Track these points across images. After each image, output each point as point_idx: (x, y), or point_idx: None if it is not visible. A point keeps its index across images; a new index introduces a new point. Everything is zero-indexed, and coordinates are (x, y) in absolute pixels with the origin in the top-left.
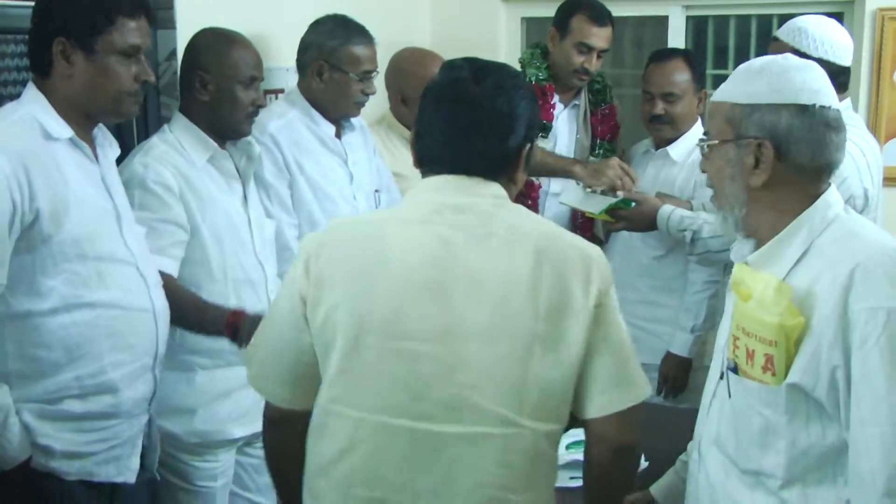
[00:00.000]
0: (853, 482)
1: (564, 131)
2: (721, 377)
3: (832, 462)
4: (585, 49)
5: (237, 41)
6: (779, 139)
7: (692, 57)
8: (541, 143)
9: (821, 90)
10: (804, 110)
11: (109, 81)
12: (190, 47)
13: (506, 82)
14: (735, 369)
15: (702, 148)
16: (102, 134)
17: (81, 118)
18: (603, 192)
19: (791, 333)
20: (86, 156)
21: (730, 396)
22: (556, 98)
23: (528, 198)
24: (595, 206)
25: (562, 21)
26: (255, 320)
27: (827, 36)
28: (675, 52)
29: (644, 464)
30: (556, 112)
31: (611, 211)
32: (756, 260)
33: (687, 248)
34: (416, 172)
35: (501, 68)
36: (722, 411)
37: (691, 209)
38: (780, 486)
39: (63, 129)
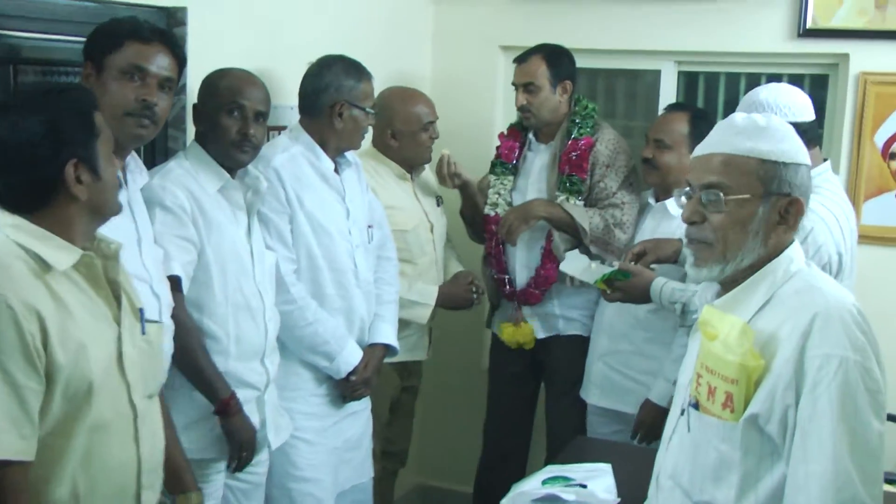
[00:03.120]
0: None
1: (536, 170)
2: (682, 413)
3: (778, 500)
4: (515, 87)
5: (229, 73)
6: (802, 197)
7: (698, 116)
8: (503, 181)
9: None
10: (807, 170)
11: (108, 98)
12: (207, 85)
13: (7, 111)
14: (696, 405)
15: (715, 199)
16: (135, 162)
17: None
18: (602, 263)
19: (752, 374)
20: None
21: (689, 431)
22: (531, 137)
23: (484, 231)
24: (592, 276)
25: None
26: (247, 425)
27: (782, 101)
28: (685, 107)
29: (616, 500)
30: (530, 152)
31: (607, 281)
32: (722, 304)
33: (678, 319)
34: (409, 203)
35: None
36: (681, 445)
37: (680, 248)
38: None
39: None
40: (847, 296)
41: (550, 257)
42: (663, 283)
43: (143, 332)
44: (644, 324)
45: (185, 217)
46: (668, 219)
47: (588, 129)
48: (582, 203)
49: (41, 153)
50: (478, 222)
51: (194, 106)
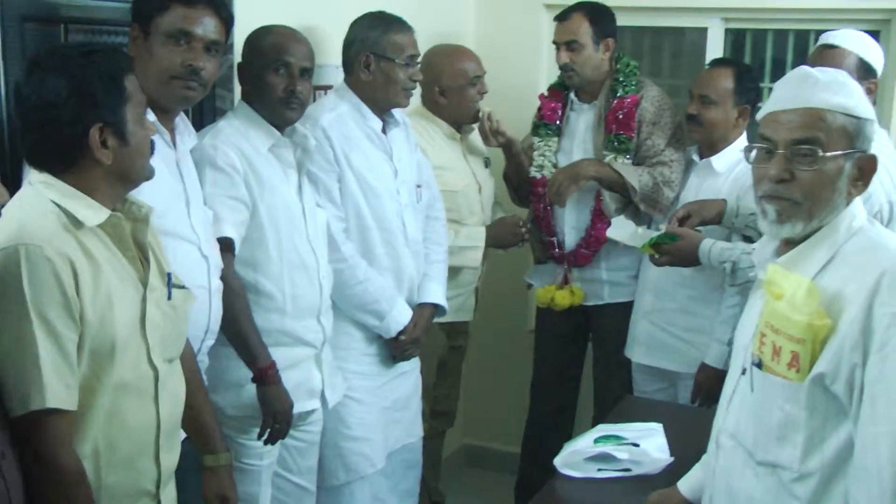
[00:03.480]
0: (857, 475)
1: (581, 130)
2: (743, 373)
3: (844, 460)
4: (556, 46)
5: (273, 30)
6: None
7: (743, 70)
8: (548, 143)
9: None
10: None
11: (154, 62)
12: (251, 46)
13: (35, 68)
14: (759, 365)
15: (810, 155)
16: (184, 124)
17: (154, 104)
18: (648, 228)
19: (819, 333)
20: (164, 141)
21: (752, 391)
22: (572, 97)
23: (531, 194)
24: (640, 241)
25: None
26: (283, 396)
27: (878, 51)
28: (728, 62)
29: (669, 459)
30: (573, 112)
31: (655, 245)
32: (784, 262)
33: (728, 278)
34: (459, 164)
35: (39, 54)
36: (743, 405)
37: (725, 207)
38: (794, 478)
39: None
40: None
41: (600, 217)
42: (712, 244)
43: (170, 298)
44: (689, 282)
45: (237, 176)
46: (714, 176)
47: (633, 87)
48: (630, 162)
49: (65, 114)
50: (522, 185)
51: (239, 65)
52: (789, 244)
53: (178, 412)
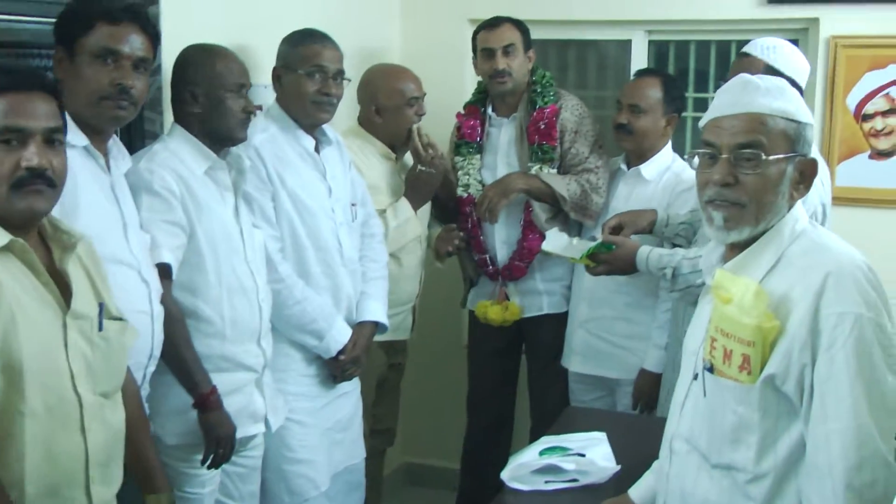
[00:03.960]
0: (809, 473)
1: (503, 144)
2: (695, 378)
3: (797, 460)
4: (488, 53)
5: (220, 53)
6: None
7: (669, 80)
8: (471, 161)
9: None
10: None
11: (83, 84)
12: (178, 64)
13: None
14: (711, 369)
15: (754, 159)
16: (118, 148)
17: (86, 127)
18: (581, 238)
19: (768, 335)
20: (98, 165)
21: (705, 395)
22: (490, 112)
23: (458, 213)
24: (576, 252)
25: (473, 46)
26: (226, 421)
27: (793, 58)
28: (654, 72)
29: (616, 467)
30: (492, 128)
31: (592, 255)
32: (731, 267)
33: (668, 284)
34: (393, 183)
35: None
36: (696, 409)
37: (655, 219)
38: (749, 479)
39: (78, 138)
40: (856, 253)
41: (531, 228)
42: (649, 251)
43: (101, 329)
44: (624, 288)
45: (174, 200)
46: (643, 183)
47: (551, 98)
48: (555, 171)
49: None
50: (449, 202)
51: (189, 89)
52: (735, 249)
53: (114, 445)
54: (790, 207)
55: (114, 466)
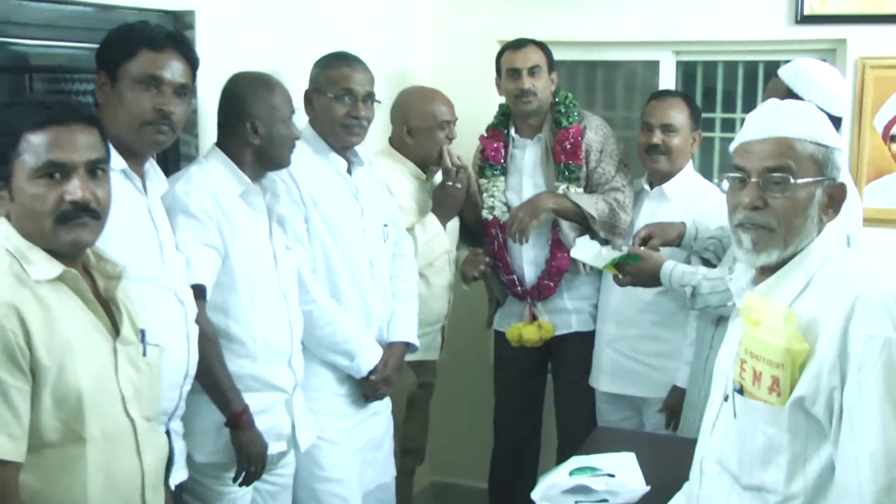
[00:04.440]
0: (839, 495)
1: (528, 166)
2: (725, 399)
3: (826, 481)
4: (514, 73)
5: (275, 85)
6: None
7: (690, 99)
8: (495, 183)
9: None
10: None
11: (125, 110)
12: (232, 93)
13: None
14: (741, 391)
15: (782, 183)
16: (154, 170)
17: (125, 150)
18: (612, 248)
19: (797, 357)
20: (135, 187)
21: (735, 416)
22: (513, 134)
23: (484, 235)
24: (602, 261)
25: (497, 67)
26: (258, 440)
27: (821, 82)
28: (674, 92)
29: (646, 488)
30: (516, 149)
31: (617, 265)
32: (761, 290)
33: (688, 302)
34: (424, 204)
35: None
36: (727, 431)
37: (684, 231)
38: (779, 501)
39: (116, 161)
40: (885, 276)
41: (560, 247)
42: (673, 266)
43: (144, 354)
44: (651, 307)
45: (210, 222)
46: (666, 202)
47: (575, 118)
48: (582, 190)
49: None
50: (477, 223)
51: (249, 121)
52: (765, 272)
53: (161, 467)
54: (819, 231)
55: (161, 487)
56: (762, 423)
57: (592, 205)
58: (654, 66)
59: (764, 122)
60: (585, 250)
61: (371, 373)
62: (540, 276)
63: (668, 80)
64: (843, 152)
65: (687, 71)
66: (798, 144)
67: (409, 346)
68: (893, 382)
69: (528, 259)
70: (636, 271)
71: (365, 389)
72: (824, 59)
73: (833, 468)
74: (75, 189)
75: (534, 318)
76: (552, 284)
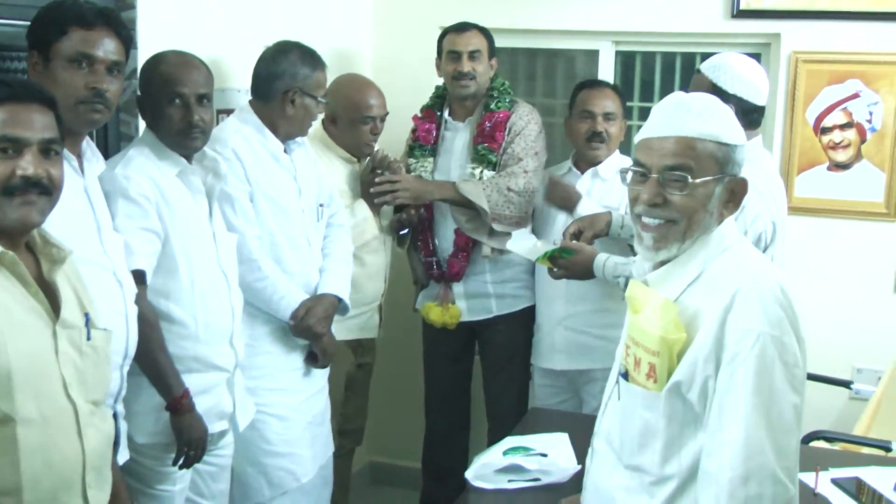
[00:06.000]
0: (700, 480)
1: (458, 149)
2: (616, 381)
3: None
4: (454, 56)
5: (164, 59)
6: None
7: (619, 89)
8: (423, 163)
9: None
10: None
11: (59, 89)
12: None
13: None
14: (626, 375)
15: (680, 181)
16: (91, 150)
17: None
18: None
19: (673, 346)
20: (72, 167)
21: (619, 399)
22: (446, 116)
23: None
24: (536, 253)
25: (438, 48)
26: (198, 423)
27: (744, 75)
28: (606, 83)
29: (577, 467)
30: (448, 132)
31: (551, 259)
32: (656, 278)
33: (622, 292)
34: (353, 186)
35: None
36: (613, 412)
37: (611, 218)
38: (653, 482)
39: None
40: (770, 271)
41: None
42: (605, 259)
43: (89, 338)
44: (600, 280)
45: (149, 206)
46: (601, 182)
47: (505, 104)
48: (493, 174)
49: None
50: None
51: (137, 97)
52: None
53: (106, 450)
54: (719, 223)
55: (106, 471)
56: (640, 407)
57: (483, 197)
58: (593, 55)
59: (667, 119)
60: (521, 243)
61: (293, 317)
62: (450, 256)
63: (607, 69)
64: (776, 143)
65: (625, 61)
66: (699, 144)
67: (340, 303)
68: (763, 375)
69: (445, 241)
70: (569, 265)
71: (294, 333)
72: (758, 53)
73: None
74: (28, 164)
75: (451, 300)
76: (458, 263)
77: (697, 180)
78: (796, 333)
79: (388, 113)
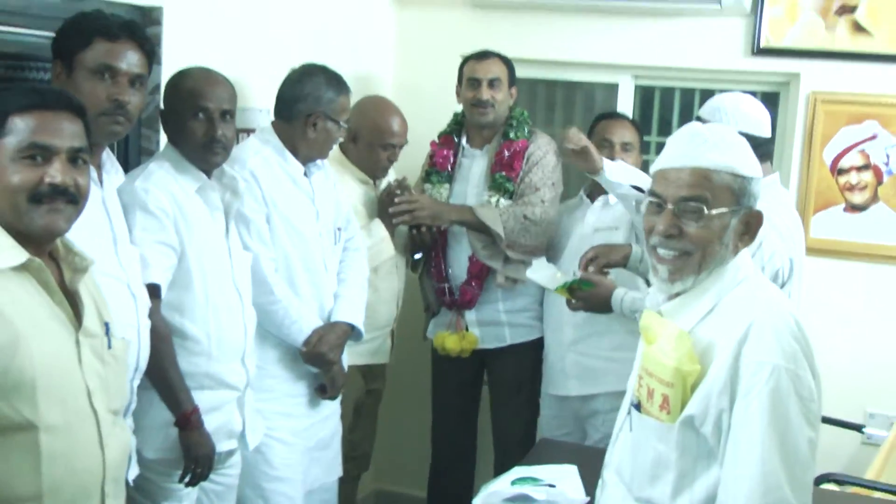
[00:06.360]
0: None
1: (475, 176)
2: (628, 412)
3: (713, 500)
4: (474, 83)
5: (189, 74)
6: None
7: (637, 123)
8: (439, 190)
9: None
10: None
11: (81, 99)
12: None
13: None
14: (638, 406)
15: (696, 212)
16: (111, 162)
17: None
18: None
19: (687, 378)
20: (91, 178)
21: (631, 430)
22: (464, 143)
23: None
24: (555, 283)
25: (458, 75)
26: (206, 441)
27: (741, 111)
28: (623, 115)
29: (585, 499)
30: (465, 158)
31: (570, 290)
32: (670, 309)
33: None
34: (370, 207)
35: None
36: (625, 443)
37: (630, 253)
38: None
39: None
40: (785, 304)
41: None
42: (624, 293)
43: (110, 347)
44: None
45: (167, 220)
46: (609, 207)
47: (524, 133)
48: (510, 202)
49: None
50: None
51: (160, 111)
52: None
53: (123, 462)
54: (735, 255)
55: (122, 482)
56: (653, 438)
57: (500, 222)
58: (613, 88)
59: (683, 150)
60: (540, 272)
61: (305, 344)
62: (463, 283)
63: (626, 103)
64: (792, 182)
65: (645, 96)
66: (715, 175)
67: (353, 330)
68: (779, 410)
69: (458, 268)
70: (588, 297)
71: (305, 360)
72: (777, 92)
73: (718, 488)
74: (56, 172)
75: (464, 328)
76: (471, 290)
77: (713, 211)
78: (811, 367)
79: (407, 142)
